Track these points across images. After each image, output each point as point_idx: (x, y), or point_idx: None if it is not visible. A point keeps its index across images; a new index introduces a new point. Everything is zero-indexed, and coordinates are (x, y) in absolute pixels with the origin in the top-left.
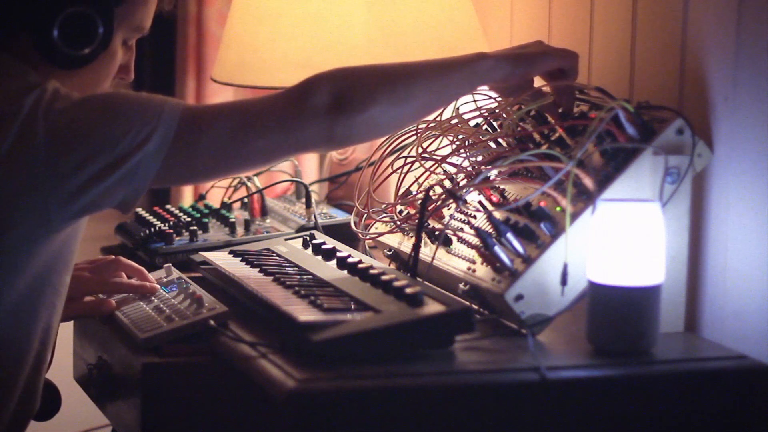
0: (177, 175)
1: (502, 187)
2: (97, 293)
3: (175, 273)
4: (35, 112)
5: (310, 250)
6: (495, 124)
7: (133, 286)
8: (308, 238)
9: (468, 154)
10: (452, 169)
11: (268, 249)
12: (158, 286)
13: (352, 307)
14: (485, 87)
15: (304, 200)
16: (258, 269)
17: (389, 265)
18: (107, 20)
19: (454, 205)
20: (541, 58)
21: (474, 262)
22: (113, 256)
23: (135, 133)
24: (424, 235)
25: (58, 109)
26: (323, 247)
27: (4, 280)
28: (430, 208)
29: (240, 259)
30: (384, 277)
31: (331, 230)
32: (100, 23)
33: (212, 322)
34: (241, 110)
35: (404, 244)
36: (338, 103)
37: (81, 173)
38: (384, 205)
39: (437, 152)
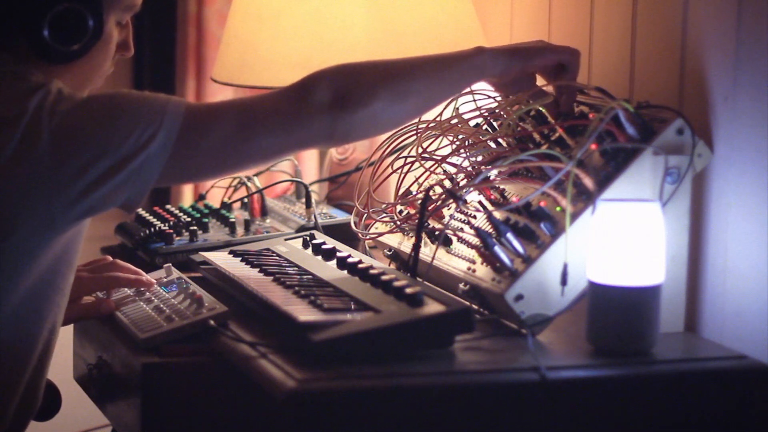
0: (180, 174)
1: (502, 187)
2: (94, 291)
3: (175, 273)
4: (39, 114)
5: (310, 250)
6: (495, 124)
7: (128, 279)
8: (308, 238)
9: (468, 154)
10: (452, 169)
11: (268, 249)
12: (154, 281)
13: (352, 307)
14: (485, 83)
15: (304, 200)
16: (258, 269)
17: (389, 265)
18: (96, 11)
19: (454, 205)
20: (540, 52)
21: (474, 262)
22: (110, 258)
23: (138, 133)
24: (424, 235)
25: (61, 111)
26: (323, 247)
27: (8, 281)
28: (430, 208)
29: (240, 259)
30: (384, 277)
31: (331, 230)
32: (90, 16)
33: (212, 322)
34: (244, 108)
35: (404, 244)
36: (339, 99)
37: (85, 175)
38: (384, 205)
39: (437, 152)
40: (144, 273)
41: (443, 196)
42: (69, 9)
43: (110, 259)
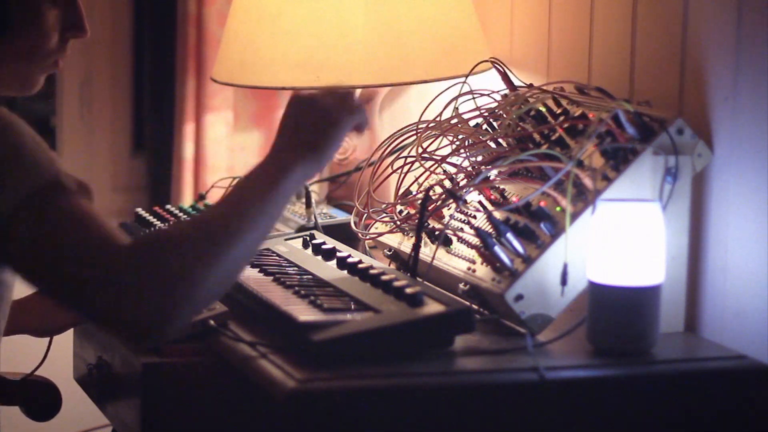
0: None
1: (502, 187)
2: None
3: None
4: None
5: (310, 250)
6: (495, 124)
7: None
8: (308, 238)
9: (468, 154)
10: (452, 169)
11: (268, 249)
12: None
13: (352, 307)
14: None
15: (304, 200)
16: (258, 269)
17: (389, 265)
18: None
19: (454, 205)
20: (339, 134)
21: (474, 262)
22: None
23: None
24: (424, 235)
25: None
26: (323, 247)
27: None
28: (430, 208)
29: None
30: (384, 277)
31: (331, 230)
32: None
33: (212, 322)
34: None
35: (404, 244)
36: (158, 323)
37: None
38: (384, 205)
39: (437, 152)
40: None
41: (443, 196)
42: None
43: None
